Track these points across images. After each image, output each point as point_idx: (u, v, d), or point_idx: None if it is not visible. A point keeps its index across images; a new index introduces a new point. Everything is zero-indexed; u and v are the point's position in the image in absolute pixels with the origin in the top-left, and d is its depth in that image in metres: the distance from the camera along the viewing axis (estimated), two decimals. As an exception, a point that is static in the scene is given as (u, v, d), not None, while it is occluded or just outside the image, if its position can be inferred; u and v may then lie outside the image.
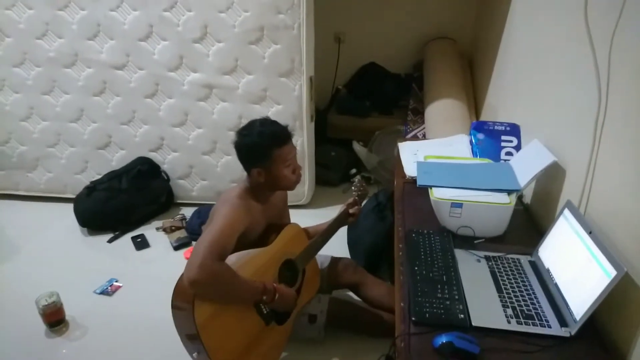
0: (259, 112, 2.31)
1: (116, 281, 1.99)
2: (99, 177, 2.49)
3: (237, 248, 1.35)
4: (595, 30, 1.15)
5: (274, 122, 1.44)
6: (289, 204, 1.77)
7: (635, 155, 0.97)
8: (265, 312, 1.38)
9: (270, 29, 2.17)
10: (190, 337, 1.24)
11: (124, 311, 1.83)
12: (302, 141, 2.40)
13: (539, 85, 1.62)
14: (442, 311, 1.02)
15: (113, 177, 2.42)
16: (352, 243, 2.06)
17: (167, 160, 2.53)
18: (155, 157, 2.52)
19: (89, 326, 1.75)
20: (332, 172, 2.81)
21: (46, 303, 1.68)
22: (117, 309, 1.85)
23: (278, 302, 1.35)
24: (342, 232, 1.85)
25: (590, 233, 1.01)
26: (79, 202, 2.38)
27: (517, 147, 1.64)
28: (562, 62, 1.40)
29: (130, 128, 2.46)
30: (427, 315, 1.01)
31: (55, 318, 1.71)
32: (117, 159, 2.53)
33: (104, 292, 1.93)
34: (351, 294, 1.80)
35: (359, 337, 1.64)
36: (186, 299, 1.22)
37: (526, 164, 1.42)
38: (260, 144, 1.39)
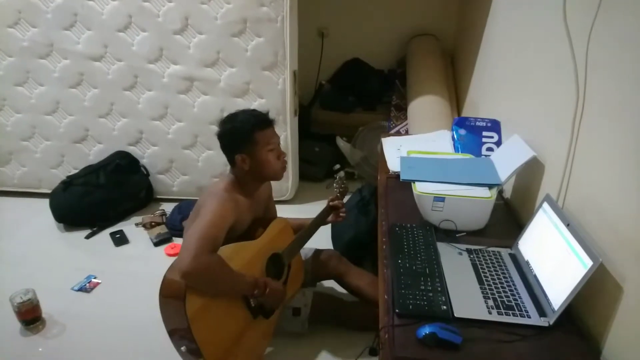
0: (241, 105, 2.28)
1: (94, 278, 1.95)
2: (76, 171, 2.43)
3: (223, 242, 1.34)
4: (573, 28, 1.18)
5: (255, 109, 1.48)
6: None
7: (611, 149, 1.00)
8: (252, 305, 1.38)
9: (253, 22, 2.15)
10: (180, 330, 1.22)
11: (102, 308, 1.79)
12: (286, 136, 2.39)
13: (519, 82, 1.65)
14: (425, 303, 1.03)
15: (90, 171, 2.36)
16: (336, 237, 2.07)
17: (146, 155, 2.48)
18: (134, 151, 2.46)
19: (67, 324, 1.70)
20: (316, 167, 2.81)
21: (21, 300, 1.63)
22: (96, 306, 1.81)
23: (268, 297, 1.36)
24: (327, 226, 1.85)
25: (568, 225, 1.04)
26: (55, 197, 2.31)
27: (498, 143, 1.67)
28: (542, 59, 1.43)
29: (108, 121, 2.40)
30: (410, 307, 1.02)
31: (30, 316, 1.66)
32: (95, 153, 2.47)
33: (82, 289, 1.89)
34: (335, 287, 1.81)
35: (343, 331, 1.65)
36: (176, 292, 1.21)
37: (506, 159, 1.44)
38: (242, 128, 1.40)
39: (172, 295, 1.23)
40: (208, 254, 1.22)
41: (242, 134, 1.40)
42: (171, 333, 1.29)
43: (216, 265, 1.23)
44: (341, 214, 1.70)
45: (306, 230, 1.61)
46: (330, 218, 1.71)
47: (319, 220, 1.67)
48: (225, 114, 1.49)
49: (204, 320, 1.23)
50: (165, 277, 1.27)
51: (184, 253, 1.20)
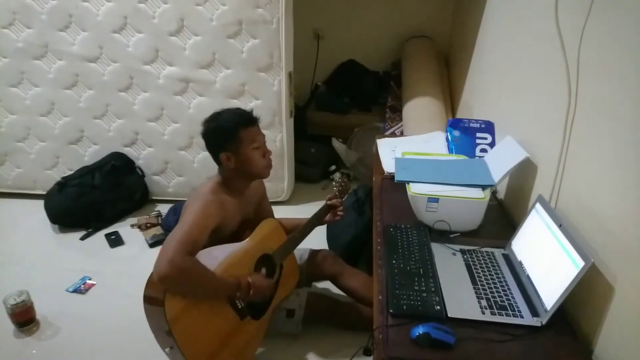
0: (237, 106, 2.28)
1: (89, 279, 1.94)
2: (71, 172, 2.42)
3: (211, 243, 1.34)
4: (565, 29, 1.19)
5: (239, 108, 1.49)
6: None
7: (603, 150, 1.01)
8: (240, 306, 1.37)
9: (249, 23, 2.15)
10: (162, 331, 1.22)
11: (97, 310, 1.79)
12: (282, 137, 2.39)
13: (512, 83, 1.66)
14: (419, 303, 1.04)
15: (85, 172, 2.35)
16: (331, 238, 2.07)
17: (142, 156, 2.47)
18: (130, 152, 2.46)
19: (61, 325, 1.70)
20: (312, 168, 2.81)
21: (15, 302, 1.62)
22: (91, 308, 1.80)
23: (253, 296, 1.35)
24: (322, 227, 1.86)
25: (560, 226, 1.05)
26: (50, 198, 2.30)
27: (492, 144, 1.68)
28: (534, 61, 1.45)
29: (103, 122, 2.40)
30: (404, 307, 1.03)
31: (24, 318, 1.65)
32: (90, 154, 2.46)
33: (77, 291, 1.88)
34: (330, 288, 1.81)
35: (337, 331, 1.65)
36: (157, 293, 1.21)
37: (500, 160, 1.45)
38: (226, 126, 1.41)
39: (152, 297, 1.23)
40: (184, 257, 1.20)
41: (226, 132, 1.40)
42: (155, 334, 1.29)
43: (192, 269, 1.22)
44: (339, 213, 1.70)
45: (301, 229, 1.61)
46: (327, 217, 1.70)
47: (316, 220, 1.66)
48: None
49: (186, 322, 1.22)
50: (148, 279, 1.27)
51: (161, 257, 1.20)
